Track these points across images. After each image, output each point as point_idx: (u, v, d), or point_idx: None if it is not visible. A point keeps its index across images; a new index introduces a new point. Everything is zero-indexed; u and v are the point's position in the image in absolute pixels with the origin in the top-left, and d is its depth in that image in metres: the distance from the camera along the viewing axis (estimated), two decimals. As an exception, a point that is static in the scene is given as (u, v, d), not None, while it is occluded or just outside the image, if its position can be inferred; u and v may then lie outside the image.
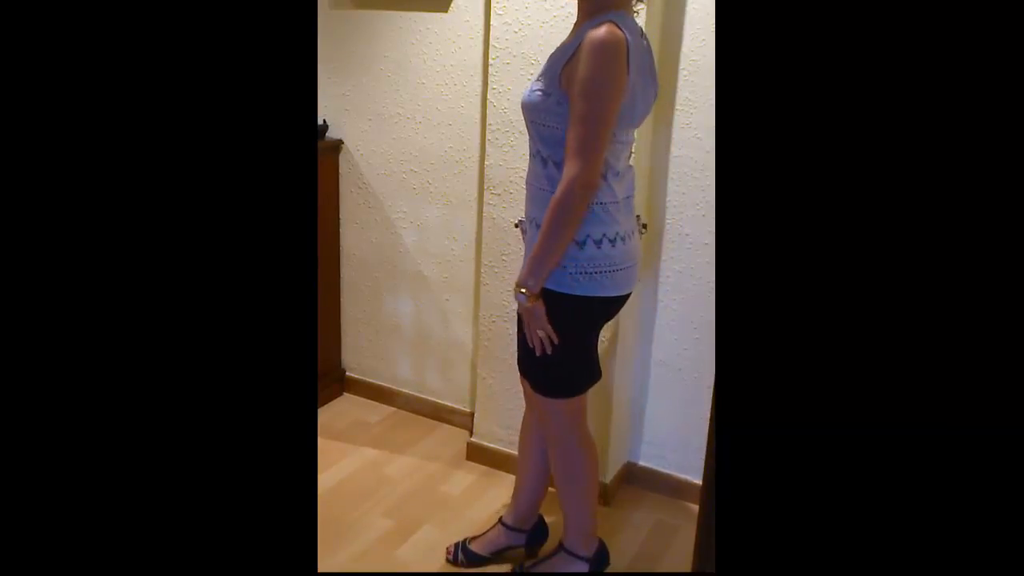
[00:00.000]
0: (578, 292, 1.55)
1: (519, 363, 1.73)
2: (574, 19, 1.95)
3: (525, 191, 1.64)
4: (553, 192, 1.50)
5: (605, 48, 1.42)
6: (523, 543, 1.94)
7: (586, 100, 1.44)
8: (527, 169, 1.63)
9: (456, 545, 1.95)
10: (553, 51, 1.56)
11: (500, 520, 1.96)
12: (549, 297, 1.56)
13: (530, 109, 1.56)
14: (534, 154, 1.59)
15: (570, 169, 1.46)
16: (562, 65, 1.49)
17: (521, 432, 1.90)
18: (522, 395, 1.83)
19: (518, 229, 1.74)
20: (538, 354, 1.60)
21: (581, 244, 1.53)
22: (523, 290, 1.55)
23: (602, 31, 1.42)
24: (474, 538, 1.96)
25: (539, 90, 1.53)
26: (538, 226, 1.54)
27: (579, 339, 1.64)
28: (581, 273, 1.54)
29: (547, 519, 1.97)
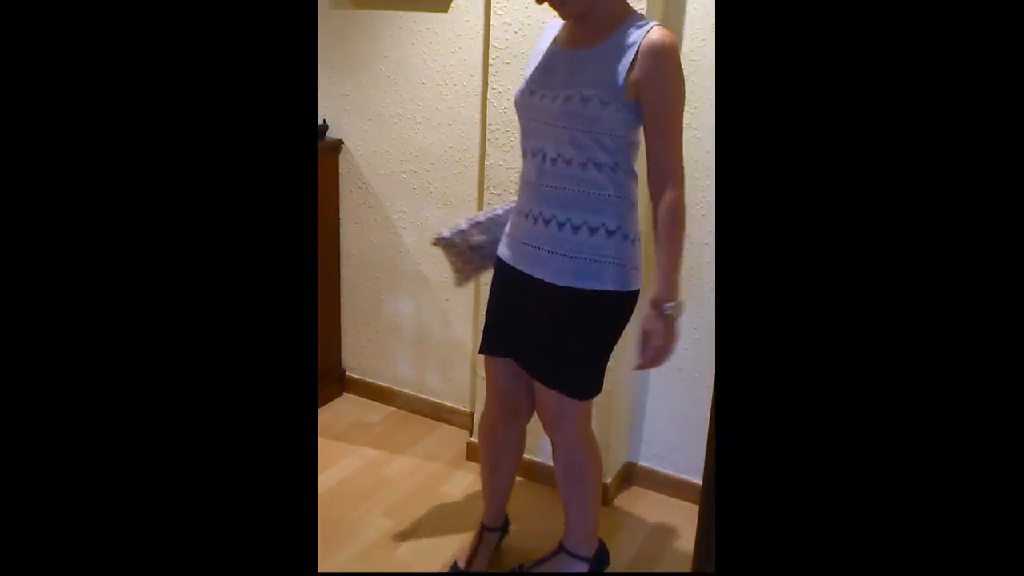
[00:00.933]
0: (633, 287, 1.58)
1: (546, 374, 1.63)
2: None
3: (552, 192, 1.52)
4: (623, 198, 1.53)
5: (676, 55, 1.46)
6: (497, 541, 1.98)
7: (672, 112, 1.48)
8: (535, 172, 1.55)
9: (453, 568, 1.93)
10: (577, 53, 1.50)
11: (485, 527, 1.96)
12: (616, 298, 1.56)
13: (583, 119, 1.46)
14: (583, 162, 1.49)
15: (676, 182, 1.50)
16: (626, 73, 1.44)
17: (487, 434, 1.85)
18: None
19: (438, 246, 1.80)
20: (657, 365, 1.56)
21: (634, 241, 1.57)
22: (673, 303, 1.52)
23: (663, 37, 1.44)
24: (469, 557, 1.92)
25: (593, 98, 1.45)
26: (574, 227, 1.51)
27: (619, 335, 1.66)
28: (634, 269, 1.58)
29: (547, 520, 1.98)
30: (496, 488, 1.91)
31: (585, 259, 1.52)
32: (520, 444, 1.87)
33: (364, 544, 2.01)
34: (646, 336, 1.54)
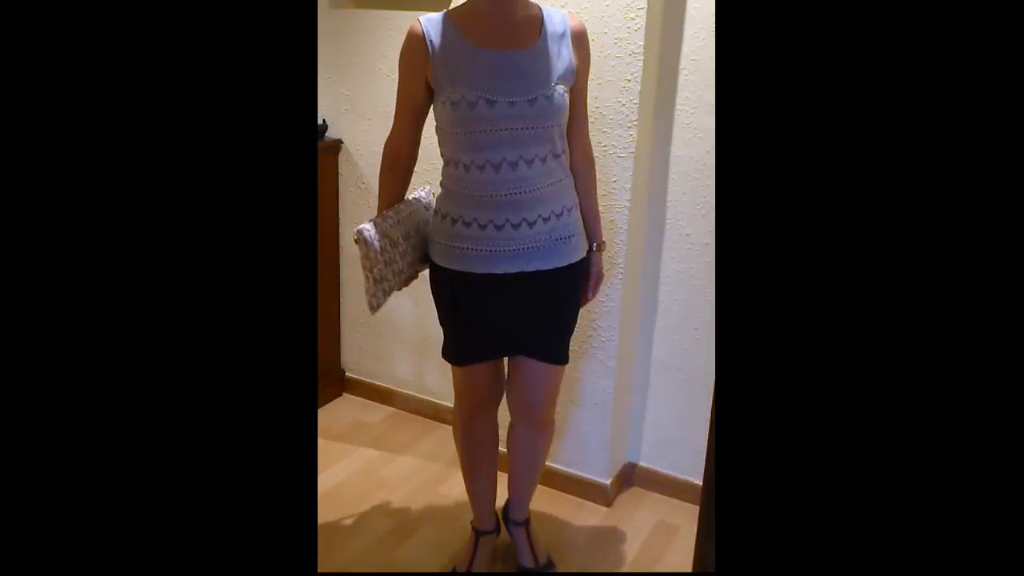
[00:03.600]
0: (586, 251, 1.70)
1: (551, 352, 1.71)
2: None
3: (527, 196, 1.54)
4: (569, 176, 1.63)
5: None
6: (494, 543, 1.99)
7: (586, 90, 1.66)
8: (531, 175, 1.53)
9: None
10: (514, 55, 1.51)
11: (479, 532, 1.94)
12: (583, 263, 1.69)
13: (551, 115, 1.52)
14: (545, 156, 1.54)
15: (588, 138, 1.69)
16: (570, 61, 1.55)
17: (470, 435, 1.86)
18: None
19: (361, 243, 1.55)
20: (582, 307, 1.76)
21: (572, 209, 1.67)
22: (603, 242, 1.77)
23: (578, 21, 1.60)
24: (469, 564, 1.92)
25: (555, 92, 1.51)
26: (556, 216, 1.58)
27: None
28: (583, 234, 1.69)
29: (544, 517, 1.98)
30: (486, 489, 1.93)
31: (567, 238, 1.62)
32: (497, 438, 1.90)
33: (364, 544, 2.01)
34: (596, 276, 1.74)
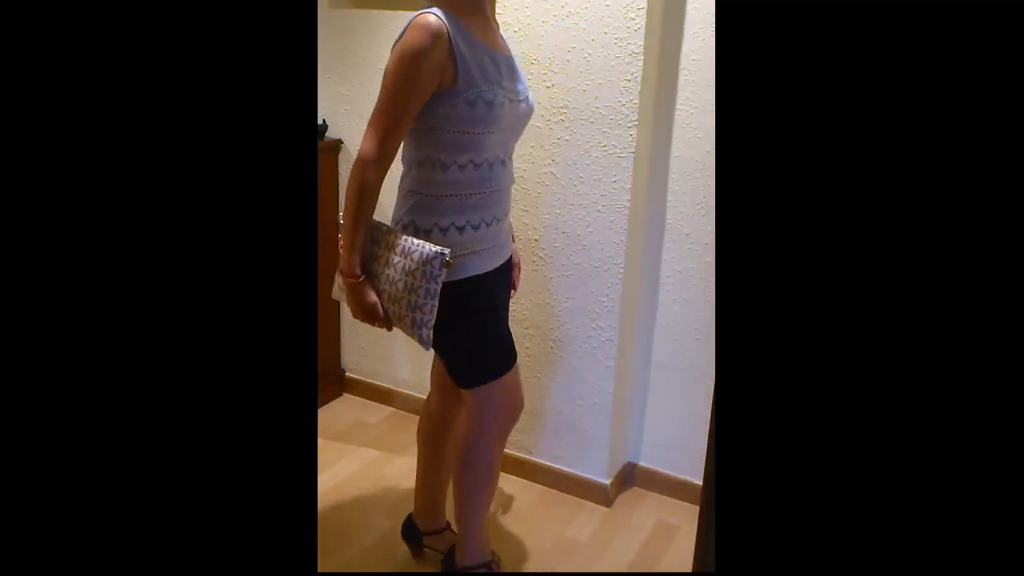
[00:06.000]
0: None
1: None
2: (574, 20, 1.96)
3: (506, 194, 1.62)
4: None
5: None
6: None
7: None
8: (508, 175, 1.61)
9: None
10: (509, 58, 1.56)
11: (494, 559, 1.85)
12: None
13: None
14: (508, 158, 1.61)
15: None
16: None
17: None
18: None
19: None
20: None
21: None
22: None
23: None
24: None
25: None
26: (505, 213, 1.65)
27: None
28: None
29: (544, 521, 1.96)
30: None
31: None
32: None
33: (364, 544, 2.02)
34: (520, 267, 1.80)
